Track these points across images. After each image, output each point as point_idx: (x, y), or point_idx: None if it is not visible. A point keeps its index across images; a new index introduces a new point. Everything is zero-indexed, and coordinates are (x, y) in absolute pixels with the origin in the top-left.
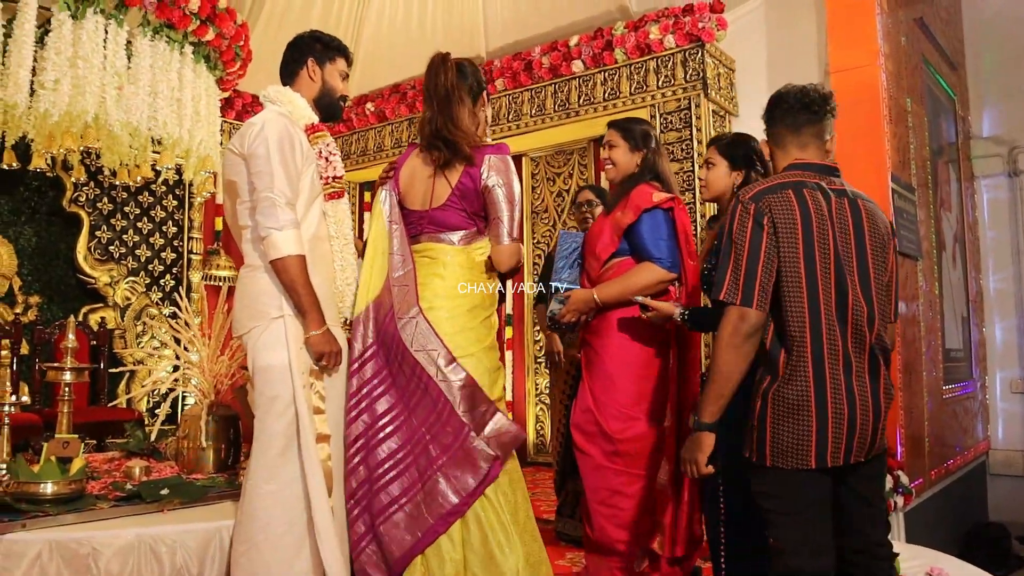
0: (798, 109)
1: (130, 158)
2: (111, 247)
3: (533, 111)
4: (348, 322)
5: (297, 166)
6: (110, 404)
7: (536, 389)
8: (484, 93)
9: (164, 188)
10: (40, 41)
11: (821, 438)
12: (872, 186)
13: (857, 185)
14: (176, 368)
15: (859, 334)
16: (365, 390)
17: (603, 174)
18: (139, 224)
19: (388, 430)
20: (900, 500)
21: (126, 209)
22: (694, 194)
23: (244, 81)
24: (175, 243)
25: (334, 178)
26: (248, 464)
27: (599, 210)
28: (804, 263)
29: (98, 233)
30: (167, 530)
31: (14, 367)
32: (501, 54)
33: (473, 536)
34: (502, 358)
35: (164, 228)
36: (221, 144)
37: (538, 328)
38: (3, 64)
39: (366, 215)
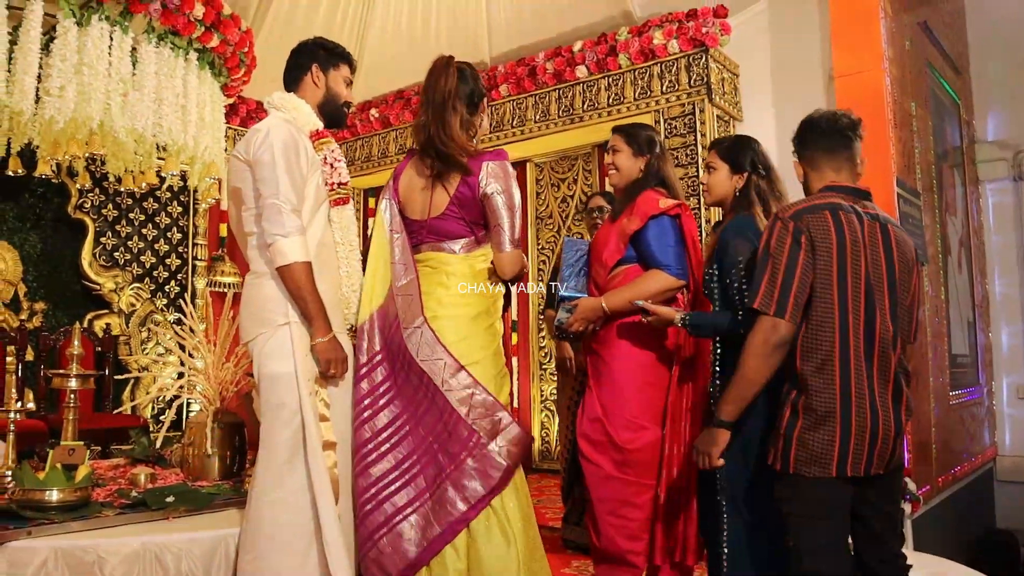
0: (832, 133)
1: (135, 164)
2: (116, 253)
3: (537, 117)
4: (353, 329)
5: (302, 172)
6: (115, 411)
7: (541, 395)
8: (483, 101)
9: (169, 194)
10: (45, 48)
11: (843, 449)
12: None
13: None
14: (181, 375)
15: (884, 353)
16: (370, 399)
17: (607, 179)
18: (144, 230)
19: (395, 439)
20: (907, 507)
21: (131, 215)
22: (699, 199)
23: (248, 87)
24: (180, 249)
25: (339, 184)
26: (254, 472)
27: None
28: (837, 282)
29: (103, 239)
30: (173, 538)
31: (19, 373)
32: (505, 60)
33: (478, 545)
34: (508, 364)
35: (169, 234)
36: (226, 150)
37: (543, 334)
38: (9, 71)
39: (371, 221)
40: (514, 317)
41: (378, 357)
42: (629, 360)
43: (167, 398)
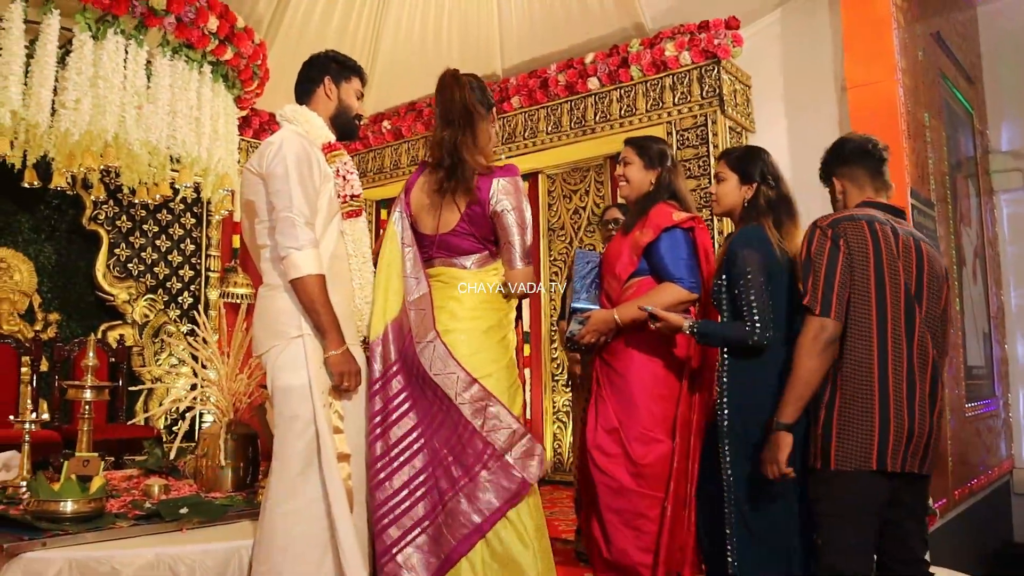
0: (872, 154)
1: (149, 176)
2: (130, 265)
3: (549, 128)
4: (367, 340)
5: (315, 185)
6: (128, 422)
7: (553, 407)
8: (493, 110)
9: (182, 206)
10: (62, 62)
11: (882, 444)
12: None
13: None
14: (194, 386)
15: (924, 358)
16: (384, 414)
17: (618, 191)
18: (157, 242)
19: (409, 452)
20: None
21: (145, 227)
22: (711, 211)
23: (261, 99)
24: (193, 261)
25: (352, 196)
26: (267, 483)
27: None
28: (875, 286)
29: (117, 251)
30: (186, 549)
31: (34, 384)
32: (517, 72)
33: (496, 556)
34: (520, 376)
35: (182, 246)
36: (239, 162)
37: (555, 346)
38: (25, 84)
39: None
40: (526, 328)
41: (394, 368)
42: (642, 372)
43: (180, 409)
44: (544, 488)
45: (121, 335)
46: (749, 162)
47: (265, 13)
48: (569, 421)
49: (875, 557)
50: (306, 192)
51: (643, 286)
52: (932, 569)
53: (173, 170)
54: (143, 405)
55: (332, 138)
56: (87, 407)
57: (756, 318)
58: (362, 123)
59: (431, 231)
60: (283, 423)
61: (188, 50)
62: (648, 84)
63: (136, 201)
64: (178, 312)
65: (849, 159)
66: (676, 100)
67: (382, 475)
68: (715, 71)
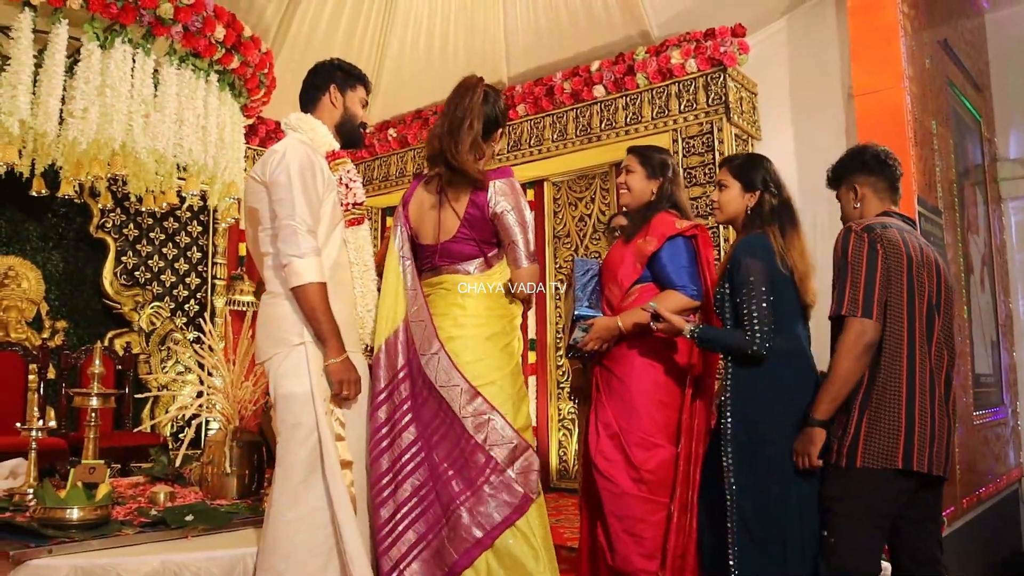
0: (892, 166)
1: (156, 184)
2: (136, 272)
3: (555, 136)
4: (368, 348)
5: (319, 193)
6: (135, 429)
7: (559, 414)
8: (499, 131)
9: (189, 214)
10: (70, 71)
11: (908, 444)
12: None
13: None
14: (200, 393)
15: (940, 361)
16: (388, 428)
17: (619, 198)
18: (164, 250)
19: (413, 465)
20: None
21: (151, 235)
22: (715, 219)
23: (268, 108)
24: (199, 268)
25: (355, 205)
26: (271, 491)
27: None
28: (906, 292)
29: (124, 258)
30: (192, 556)
31: (41, 392)
32: (523, 79)
33: (503, 563)
34: (526, 383)
35: (189, 254)
36: (245, 171)
37: (561, 353)
38: (34, 93)
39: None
40: (532, 336)
41: (400, 376)
42: (644, 379)
43: (186, 416)
44: (550, 495)
45: (128, 343)
46: (752, 169)
47: (272, 22)
48: (575, 428)
49: (891, 558)
50: (309, 200)
51: (645, 293)
52: None
53: (180, 178)
54: (149, 412)
55: (336, 146)
56: (93, 414)
57: (756, 328)
58: (367, 131)
59: (432, 240)
60: (286, 430)
61: (195, 59)
62: (654, 92)
63: (143, 209)
64: (184, 320)
65: (871, 168)
66: (682, 108)
67: (388, 491)
68: (721, 79)
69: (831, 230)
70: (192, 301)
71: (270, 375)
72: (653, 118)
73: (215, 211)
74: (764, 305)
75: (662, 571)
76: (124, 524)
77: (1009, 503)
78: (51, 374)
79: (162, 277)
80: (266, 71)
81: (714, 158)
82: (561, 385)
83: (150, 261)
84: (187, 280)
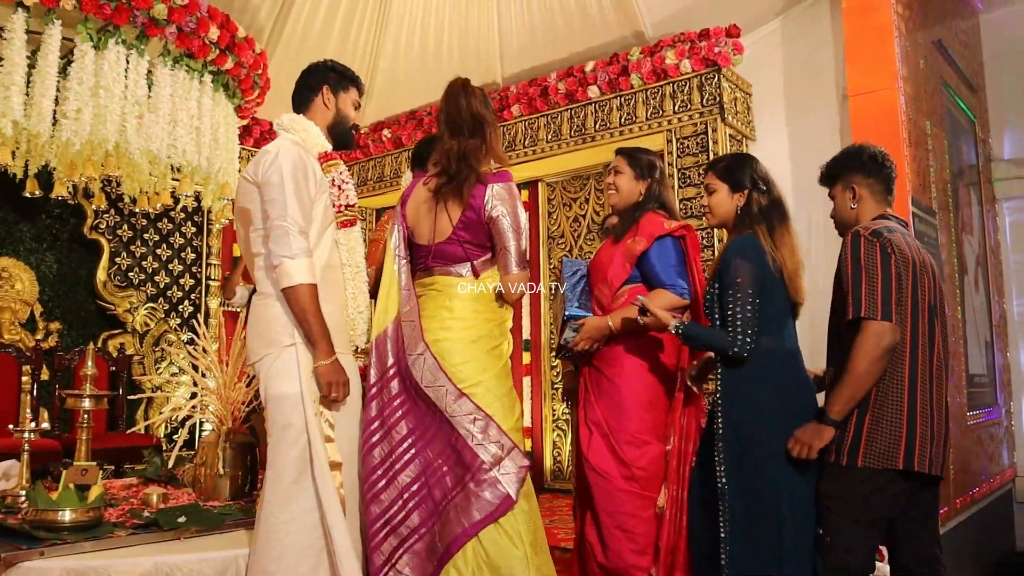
0: (889, 168)
1: (150, 185)
2: (130, 273)
3: (549, 137)
4: (359, 350)
5: (310, 194)
6: (128, 430)
7: (553, 415)
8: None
9: (183, 215)
10: (63, 71)
11: (909, 444)
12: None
13: None
14: (194, 395)
15: (940, 361)
16: (380, 422)
17: (608, 198)
18: (158, 251)
19: (407, 457)
20: None
21: (145, 236)
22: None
23: (262, 109)
24: (193, 269)
25: (347, 206)
26: (262, 492)
27: None
28: (911, 294)
29: (118, 260)
30: (184, 558)
31: (34, 393)
32: (517, 80)
33: (486, 561)
34: (520, 384)
35: (183, 255)
36: (239, 171)
37: (555, 353)
38: (27, 94)
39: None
40: (526, 336)
41: (391, 372)
42: (634, 380)
43: (180, 418)
44: (543, 496)
45: (122, 344)
46: (737, 169)
47: (266, 23)
48: (568, 429)
49: (892, 557)
50: (301, 201)
51: (635, 294)
52: None
53: (174, 179)
54: (143, 414)
55: (329, 147)
56: (86, 416)
57: (739, 329)
58: (359, 132)
59: (427, 240)
60: (276, 431)
61: (189, 60)
62: (648, 92)
63: (137, 210)
64: (178, 321)
65: (869, 168)
66: (676, 108)
67: (380, 484)
68: (715, 79)
69: (826, 230)
70: (186, 302)
71: (261, 376)
72: (647, 119)
73: (209, 212)
74: (749, 308)
75: (654, 566)
76: (116, 526)
77: (1003, 503)
78: (45, 375)
79: (156, 278)
80: (260, 72)
81: (709, 159)
82: (555, 386)
83: (144, 262)
84: (181, 281)
